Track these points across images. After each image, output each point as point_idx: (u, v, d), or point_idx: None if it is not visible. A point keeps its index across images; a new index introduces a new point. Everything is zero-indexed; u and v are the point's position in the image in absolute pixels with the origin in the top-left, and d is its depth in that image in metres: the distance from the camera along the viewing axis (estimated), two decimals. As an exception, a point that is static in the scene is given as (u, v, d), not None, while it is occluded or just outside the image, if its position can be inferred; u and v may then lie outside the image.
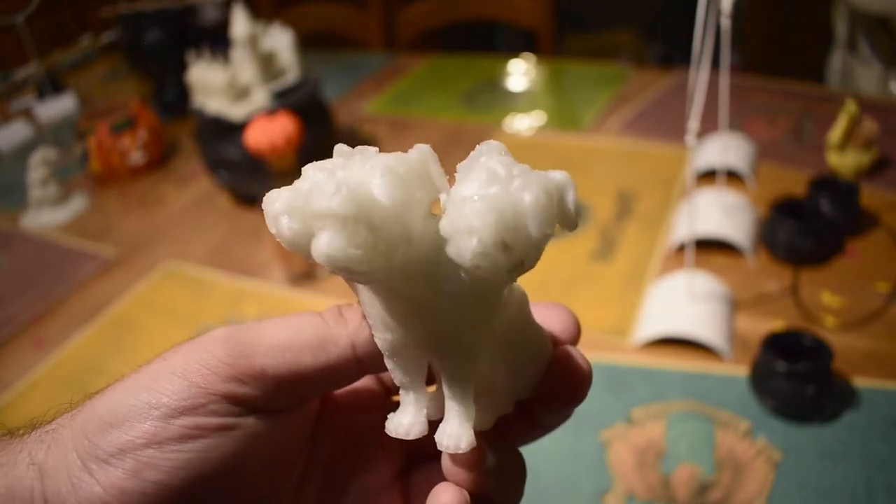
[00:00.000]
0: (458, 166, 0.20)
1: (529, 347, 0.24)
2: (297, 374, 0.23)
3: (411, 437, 0.23)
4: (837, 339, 0.60)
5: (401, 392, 0.24)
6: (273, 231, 0.20)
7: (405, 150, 0.20)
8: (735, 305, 0.66)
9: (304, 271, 0.80)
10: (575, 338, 0.27)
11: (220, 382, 0.22)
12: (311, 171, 0.20)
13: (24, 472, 0.21)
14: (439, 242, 0.19)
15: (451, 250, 0.19)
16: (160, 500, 0.21)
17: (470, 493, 0.23)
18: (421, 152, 0.20)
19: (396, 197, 0.19)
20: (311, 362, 0.23)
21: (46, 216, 1.02)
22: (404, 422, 0.23)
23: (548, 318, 0.26)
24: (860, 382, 0.57)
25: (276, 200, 0.20)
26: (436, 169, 0.20)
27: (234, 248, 0.90)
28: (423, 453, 0.28)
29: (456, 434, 0.22)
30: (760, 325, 0.63)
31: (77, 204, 1.05)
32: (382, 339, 0.22)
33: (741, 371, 0.59)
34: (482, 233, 0.18)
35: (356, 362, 0.23)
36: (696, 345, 0.62)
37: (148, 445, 0.21)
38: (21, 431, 0.23)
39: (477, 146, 0.21)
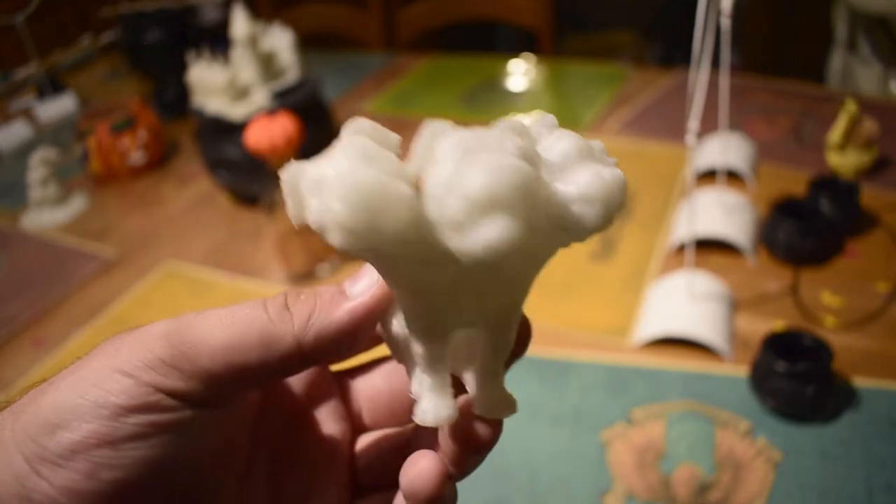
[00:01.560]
0: (507, 123, 0.20)
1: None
2: (241, 373, 0.22)
3: (452, 421, 0.22)
4: (837, 339, 0.59)
5: (425, 376, 0.23)
6: (297, 212, 0.20)
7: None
8: (735, 305, 0.66)
9: (304, 271, 0.80)
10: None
11: (165, 381, 0.21)
12: (344, 153, 0.19)
13: None
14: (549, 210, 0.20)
15: (570, 217, 0.20)
16: (116, 499, 0.21)
17: (455, 464, 0.24)
18: (500, 128, 0.20)
19: (532, 172, 0.18)
20: (255, 361, 0.22)
21: (46, 216, 1.02)
22: (438, 408, 0.22)
23: None
24: (860, 382, 0.57)
25: (303, 176, 0.19)
26: (529, 137, 0.21)
27: (234, 248, 0.90)
28: (368, 425, 0.28)
29: (501, 400, 0.23)
30: (760, 325, 0.63)
31: (77, 204, 1.05)
32: (432, 323, 0.22)
33: (741, 371, 0.59)
34: (607, 201, 0.20)
35: (301, 359, 0.23)
36: (696, 345, 0.62)
37: (100, 445, 0.20)
38: None
39: (533, 117, 0.21)
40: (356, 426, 0.29)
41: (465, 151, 0.18)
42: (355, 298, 0.23)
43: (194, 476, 0.23)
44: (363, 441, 0.29)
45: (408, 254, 0.19)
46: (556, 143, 0.20)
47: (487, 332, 0.22)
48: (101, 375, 0.21)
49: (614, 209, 0.20)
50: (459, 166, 0.18)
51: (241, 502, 0.25)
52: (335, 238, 0.18)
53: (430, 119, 0.20)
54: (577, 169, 0.20)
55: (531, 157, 0.19)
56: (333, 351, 0.23)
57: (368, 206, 0.18)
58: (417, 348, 0.22)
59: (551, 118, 0.22)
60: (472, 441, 0.23)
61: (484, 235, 0.17)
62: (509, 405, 0.23)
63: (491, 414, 0.23)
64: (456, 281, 0.20)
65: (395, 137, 0.21)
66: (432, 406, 0.22)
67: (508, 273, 0.21)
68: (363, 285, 0.23)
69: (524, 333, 0.25)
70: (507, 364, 0.24)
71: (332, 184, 0.18)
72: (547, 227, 0.20)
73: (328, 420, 0.28)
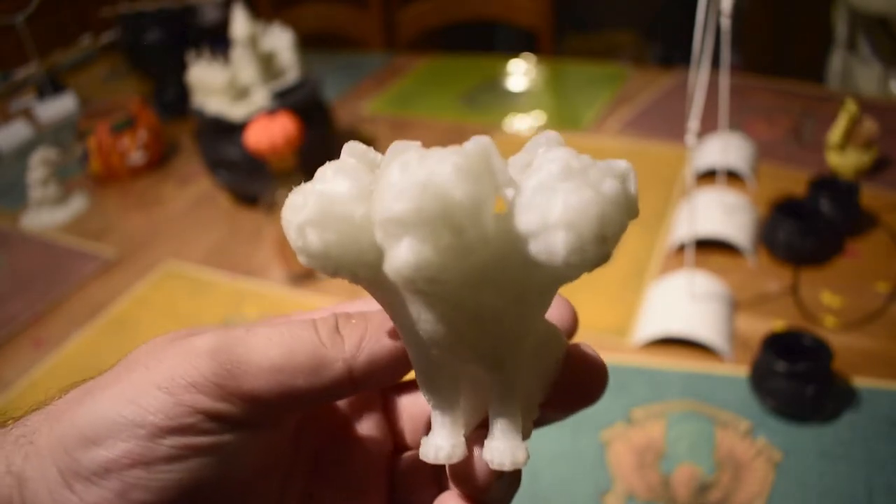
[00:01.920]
0: (512, 160, 0.19)
1: (550, 346, 0.23)
2: (287, 396, 0.22)
3: (454, 460, 0.21)
4: (837, 339, 0.59)
5: (434, 414, 0.22)
6: (297, 244, 0.19)
7: None
8: (735, 305, 0.66)
9: (304, 271, 0.80)
10: (574, 330, 0.25)
11: (207, 401, 0.21)
12: (330, 172, 0.18)
13: (1, 479, 0.21)
14: (510, 242, 0.18)
15: (538, 247, 0.17)
16: None
17: (478, 501, 0.22)
18: (480, 145, 0.18)
19: (473, 193, 0.17)
20: (303, 386, 0.22)
21: (46, 216, 1.02)
22: (445, 445, 0.21)
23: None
24: (860, 382, 0.57)
25: (303, 208, 0.18)
26: (498, 162, 0.18)
27: (234, 248, 0.90)
28: (409, 444, 0.27)
29: (510, 449, 0.21)
30: (760, 325, 0.63)
31: (77, 204, 1.05)
32: (423, 357, 0.21)
33: (741, 371, 0.59)
34: (581, 226, 0.17)
35: (350, 385, 0.22)
36: (696, 345, 0.62)
37: (134, 466, 0.20)
38: None
39: (533, 137, 0.20)
40: (398, 445, 0.27)
41: (401, 170, 0.17)
42: None
43: (229, 495, 0.22)
44: (404, 461, 0.27)
45: (382, 280, 0.19)
46: (545, 165, 0.18)
47: (487, 375, 0.21)
48: (139, 390, 0.21)
49: (590, 236, 0.17)
50: (379, 189, 0.18)
51: None
52: (301, 259, 0.19)
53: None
54: (551, 193, 0.18)
55: (477, 176, 0.17)
56: (383, 377, 0.23)
57: (322, 227, 0.18)
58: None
59: (553, 135, 0.20)
60: (470, 483, 0.22)
61: (392, 257, 0.17)
62: (510, 455, 0.21)
63: (491, 461, 0.21)
64: (442, 316, 0.19)
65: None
66: (433, 443, 0.22)
67: (488, 313, 0.19)
68: None
69: (572, 383, 0.23)
70: (559, 406, 0.23)
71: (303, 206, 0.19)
72: (518, 260, 0.18)
73: (370, 437, 0.26)
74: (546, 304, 0.20)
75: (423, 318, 0.20)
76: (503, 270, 0.19)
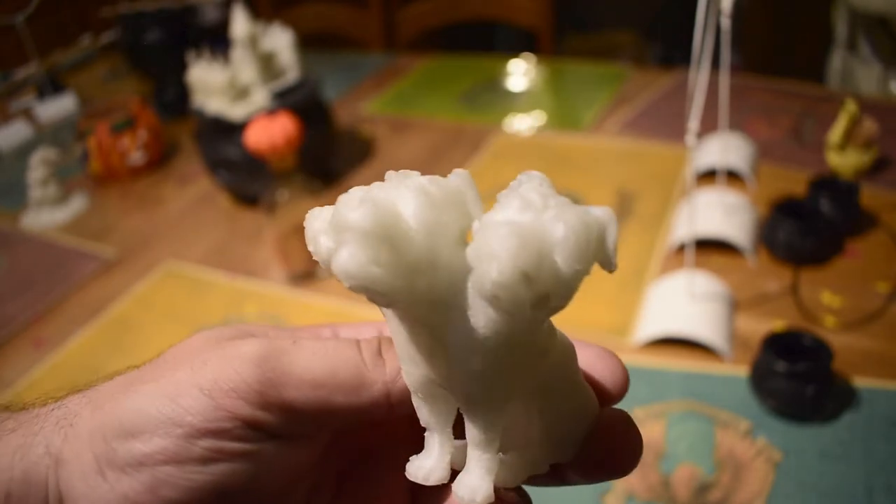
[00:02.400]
0: (498, 196, 0.19)
1: (571, 405, 0.22)
2: (324, 411, 0.22)
3: (430, 482, 0.22)
4: (837, 339, 0.59)
5: (426, 434, 0.22)
6: (312, 250, 0.19)
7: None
8: (735, 305, 0.66)
9: (305, 271, 0.80)
10: (622, 391, 0.24)
11: (246, 408, 0.21)
12: (354, 190, 0.19)
13: (40, 460, 0.21)
14: (467, 272, 0.18)
15: (473, 278, 0.18)
16: None
17: None
18: (460, 177, 0.19)
19: (425, 218, 0.18)
20: (341, 403, 0.22)
21: (46, 216, 1.02)
22: (426, 465, 0.22)
23: (591, 364, 0.24)
24: (860, 382, 0.57)
25: (317, 218, 0.19)
26: (472, 195, 0.19)
27: (234, 248, 0.90)
28: None
29: (474, 486, 0.20)
30: (760, 325, 0.63)
31: (77, 204, 1.05)
32: (407, 373, 0.21)
33: (741, 371, 0.59)
34: (502, 260, 0.17)
35: (388, 407, 0.23)
36: (696, 345, 0.62)
37: (167, 462, 0.21)
38: (35, 407, 0.23)
39: (518, 175, 0.20)
40: None
41: (378, 185, 0.19)
42: None
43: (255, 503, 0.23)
44: (429, 487, 0.27)
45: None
46: (511, 200, 0.18)
47: (461, 403, 0.21)
48: (181, 390, 0.21)
49: (511, 273, 0.17)
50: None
51: None
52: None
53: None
54: (497, 227, 0.17)
55: (442, 206, 0.18)
56: None
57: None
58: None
59: (536, 174, 0.19)
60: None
61: (334, 259, 0.17)
62: (469, 492, 0.20)
63: (455, 493, 0.21)
64: (411, 334, 0.20)
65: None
66: (417, 462, 0.22)
67: (457, 352, 0.19)
68: None
69: (608, 441, 0.22)
70: (584, 473, 0.23)
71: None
72: (471, 296, 0.18)
73: (399, 462, 0.26)
74: (520, 347, 0.19)
75: (399, 333, 0.20)
76: (462, 299, 0.18)
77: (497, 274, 0.17)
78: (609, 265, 0.19)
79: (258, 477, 0.22)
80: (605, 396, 0.24)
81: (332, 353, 0.22)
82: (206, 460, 0.21)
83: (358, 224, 0.17)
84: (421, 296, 0.18)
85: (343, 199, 0.18)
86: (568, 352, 0.22)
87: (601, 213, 0.18)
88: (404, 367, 0.22)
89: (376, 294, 0.18)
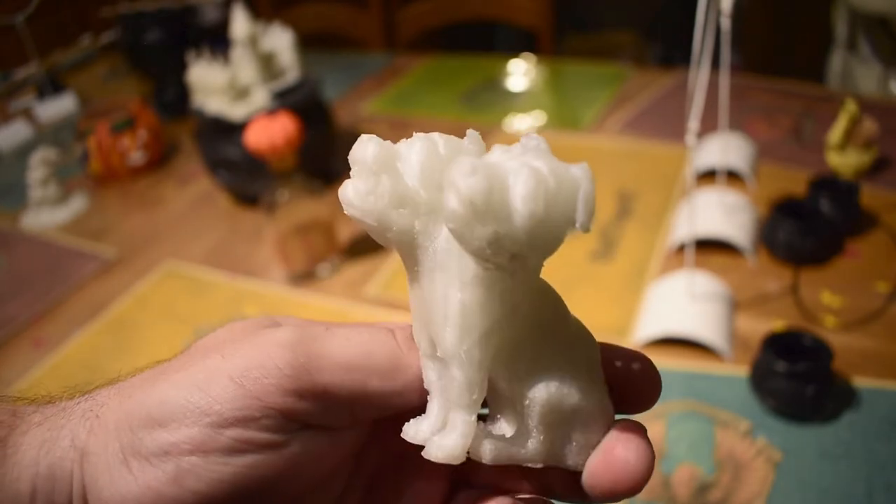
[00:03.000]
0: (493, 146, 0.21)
1: (577, 403, 0.22)
2: (360, 396, 0.22)
3: (417, 441, 0.22)
4: (837, 339, 0.59)
5: (428, 398, 0.22)
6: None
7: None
8: (735, 305, 0.66)
9: (304, 271, 0.80)
10: (654, 396, 0.24)
11: (277, 395, 0.21)
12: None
13: (65, 454, 0.21)
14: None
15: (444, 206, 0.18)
16: None
17: None
18: (469, 137, 0.21)
19: (426, 162, 0.20)
20: (376, 387, 0.22)
21: (46, 216, 1.02)
22: (422, 428, 0.22)
23: (625, 366, 0.24)
24: (860, 382, 0.57)
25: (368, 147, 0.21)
26: (476, 151, 0.21)
27: (234, 248, 0.90)
28: (471, 476, 0.26)
29: (443, 444, 0.21)
30: (760, 325, 0.63)
31: (77, 204, 1.05)
32: (416, 333, 0.22)
33: (741, 371, 0.59)
34: (458, 188, 0.17)
35: (419, 394, 0.22)
36: (696, 345, 0.62)
37: (193, 452, 0.20)
38: (61, 400, 0.23)
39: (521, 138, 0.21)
40: (458, 478, 0.26)
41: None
42: None
43: (283, 500, 0.22)
44: (460, 499, 0.26)
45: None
46: (497, 148, 0.20)
47: (444, 359, 0.21)
48: (210, 378, 0.21)
49: (462, 200, 0.17)
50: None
51: None
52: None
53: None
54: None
55: (442, 152, 0.21)
56: None
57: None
58: None
59: (537, 137, 0.20)
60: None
61: (341, 189, 0.21)
62: (435, 449, 0.21)
63: (427, 449, 0.21)
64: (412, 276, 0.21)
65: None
66: (414, 425, 0.22)
67: (435, 296, 0.20)
68: None
69: (614, 455, 0.23)
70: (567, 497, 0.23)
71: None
72: (445, 236, 0.20)
73: (429, 467, 0.25)
74: (498, 305, 0.20)
75: (412, 296, 0.22)
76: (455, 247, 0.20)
77: (453, 202, 0.17)
78: (580, 223, 0.18)
79: (287, 471, 0.21)
80: (635, 401, 0.24)
81: (366, 337, 0.22)
82: (232, 451, 0.20)
83: (366, 159, 0.20)
84: (420, 237, 0.20)
85: (367, 140, 0.21)
86: (585, 343, 0.22)
87: (577, 169, 0.18)
88: (415, 327, 0.22)
89: (367, 215, 0.20)
